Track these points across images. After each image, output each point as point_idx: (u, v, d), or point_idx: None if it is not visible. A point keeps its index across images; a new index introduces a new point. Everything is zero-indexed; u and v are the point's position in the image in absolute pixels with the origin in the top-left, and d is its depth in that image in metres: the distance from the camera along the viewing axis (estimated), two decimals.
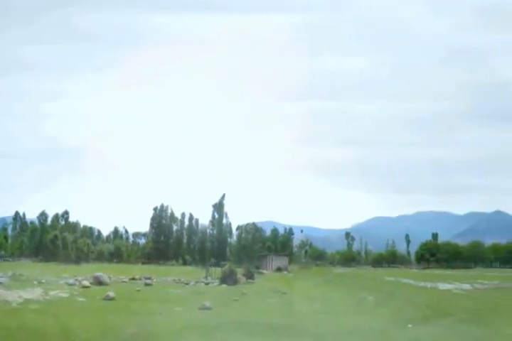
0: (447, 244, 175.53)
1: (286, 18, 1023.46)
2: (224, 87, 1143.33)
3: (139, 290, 52.75)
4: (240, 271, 74.76)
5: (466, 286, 72.46)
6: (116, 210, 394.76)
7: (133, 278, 69.39)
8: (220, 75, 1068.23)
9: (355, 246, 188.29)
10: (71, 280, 59.94)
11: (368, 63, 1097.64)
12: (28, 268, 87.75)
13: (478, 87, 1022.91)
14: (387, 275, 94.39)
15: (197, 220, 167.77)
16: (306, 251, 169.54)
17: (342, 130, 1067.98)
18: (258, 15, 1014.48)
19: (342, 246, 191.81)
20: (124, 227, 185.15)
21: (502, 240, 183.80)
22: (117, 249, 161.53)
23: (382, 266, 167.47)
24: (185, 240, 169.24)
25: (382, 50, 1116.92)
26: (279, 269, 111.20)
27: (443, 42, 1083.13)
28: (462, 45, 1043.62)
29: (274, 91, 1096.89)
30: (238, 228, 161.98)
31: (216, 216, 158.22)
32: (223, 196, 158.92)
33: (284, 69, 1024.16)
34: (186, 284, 65.94)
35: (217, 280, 69.39)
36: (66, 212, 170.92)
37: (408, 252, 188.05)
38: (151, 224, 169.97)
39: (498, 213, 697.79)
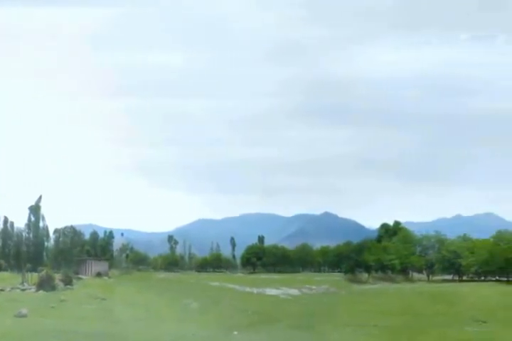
0: (274, 248, 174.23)
1: (100, 12, 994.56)
2: (37, 84, 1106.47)
3: None
4: (57, 277, 72.87)
5: (294, 291, 73.73)
6: None
7: None
8: (32, 71, 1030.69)
9: (179, 250, 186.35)
10: None
11: (187, 59, 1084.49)
12: None
13: (305, 84, 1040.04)
14: (212, 280, 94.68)
15: (12, 223, 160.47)
16: (127, 256, 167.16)
17: (161, 129, 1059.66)
18: (72, 9, 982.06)
19: (165, 250, 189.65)
20: None
21: (331, 242, 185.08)
22: None
23: (206, 271, 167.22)
24: None
25: (201, 46, 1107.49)
26: (99, 274, 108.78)
27: (267, 37, 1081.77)
28: (288, 41, 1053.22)
29: (90, 88, 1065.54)
30: (56, 231, 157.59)
31: (32, 219, 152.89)
32: (40, 198, 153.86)
33: (99, 65, 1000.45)
34: (1, 290, 63.69)
35: (34, 287, 67.28)
36: None
37: (233, 256, 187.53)
38: None
39: (327, 215, 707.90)
